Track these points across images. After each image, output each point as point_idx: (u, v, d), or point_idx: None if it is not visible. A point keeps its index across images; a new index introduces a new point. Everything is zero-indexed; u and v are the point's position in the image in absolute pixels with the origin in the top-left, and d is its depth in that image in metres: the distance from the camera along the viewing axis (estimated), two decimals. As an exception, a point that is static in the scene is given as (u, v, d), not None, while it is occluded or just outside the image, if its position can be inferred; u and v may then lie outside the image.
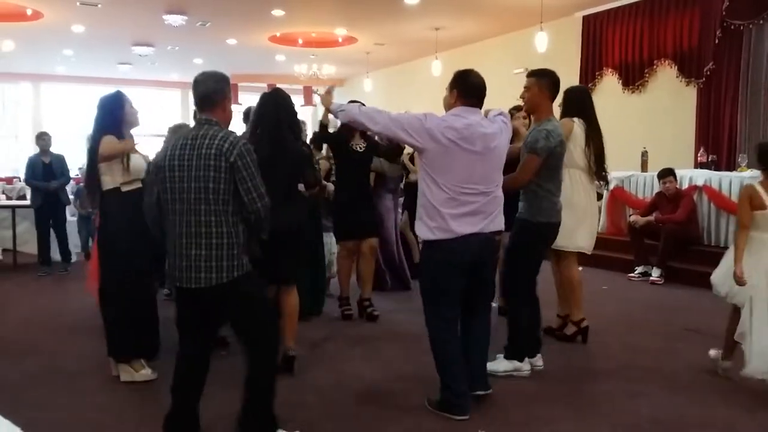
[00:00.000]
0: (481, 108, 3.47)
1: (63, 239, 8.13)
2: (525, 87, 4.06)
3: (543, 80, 4.00)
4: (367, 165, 5.52)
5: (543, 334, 4.55)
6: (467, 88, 3.41)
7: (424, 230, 3.40)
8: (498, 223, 3.46)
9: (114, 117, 4.01)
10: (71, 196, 8.60)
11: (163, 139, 6.45)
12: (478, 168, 3.32)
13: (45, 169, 7.89)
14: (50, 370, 4.26)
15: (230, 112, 3.07)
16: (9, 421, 1.56)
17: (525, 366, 4.07)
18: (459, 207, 3.30)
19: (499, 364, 4.05)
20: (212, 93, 2.97)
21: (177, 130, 7.12)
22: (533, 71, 4.14)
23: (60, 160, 8.06)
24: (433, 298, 3.49)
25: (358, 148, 5.35)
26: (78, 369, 4.29)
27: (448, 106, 3.50)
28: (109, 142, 3.88)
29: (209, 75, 3.01)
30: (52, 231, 8.03)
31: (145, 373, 4.00)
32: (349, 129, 5.13)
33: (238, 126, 4.35)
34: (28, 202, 8.36)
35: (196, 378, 3.11)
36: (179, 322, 3.14)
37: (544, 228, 4.02)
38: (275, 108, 4.02)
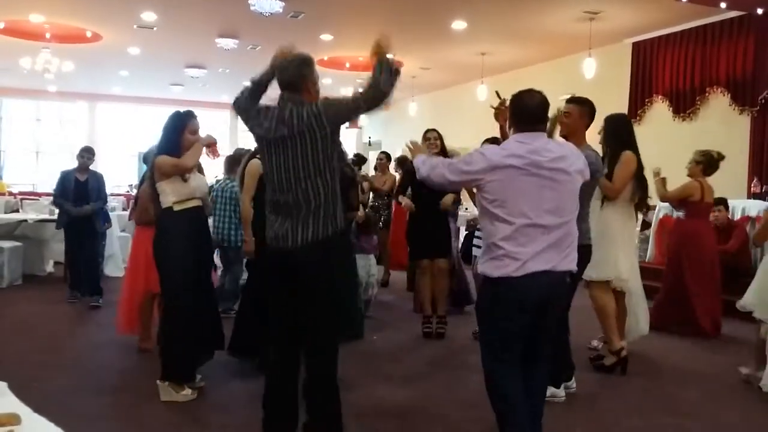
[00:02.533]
0: (543, 130, 3.12)
1: (91, 270, 6.93)
2: (565, 112, 4.11)
3: (584, 108, 4.09)
4: (439, 191, 5.58)
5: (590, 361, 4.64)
6: (519, 112, 3.11)
7: (489, 267, 2.99)
8: (571, 261, 3.04)
9: (176, 138, 4.07)
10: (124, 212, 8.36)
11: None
12: (548, 195, 2.93)
13: (78, 188, 6.93)
14: (94, 384, 4.34)
15: (316, 94, 3.10)
16: (60, 429, 1.62)
17: (561, 392, 4.04)
18: (529, 243, 2.90)
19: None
20: (295, 79, 3.06)
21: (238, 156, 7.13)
22: (574, 98, 4.23)
23: (98, 180, 7.14)
24: (490, 338, 3.13)
25: None
26: (121, 383, 4.38)
27: (507, 134, 3.25)
28: (164, 162, 3.97)
29: (290, 61, 3.12)
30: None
31: (186, 393, 4.01)
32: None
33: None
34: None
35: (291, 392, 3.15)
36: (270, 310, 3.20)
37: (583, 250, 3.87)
38: None
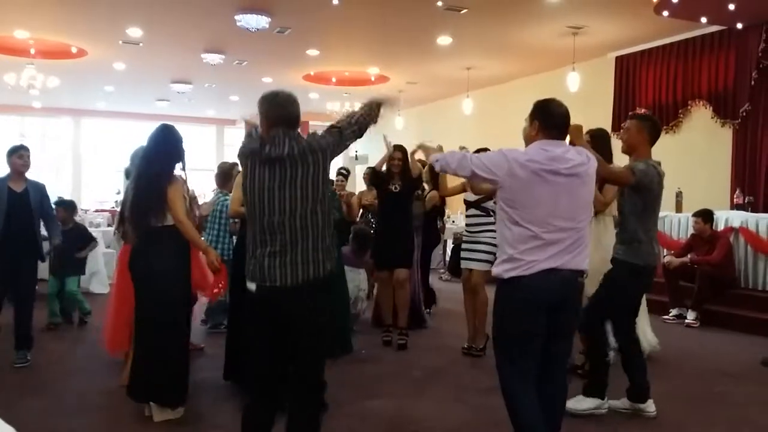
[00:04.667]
0: (564, 139, 3.21)
1: (25, 315, 5.22)
2: (624, 128, 4.17)
3: (643, 123, 4.12)
4: (403, 202, 5.90)
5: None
6: (548, 119, 3.13)
7: (500, 269, 3.08)
8: (580, 261, 3.10)
9: (180, 154, 4.05)
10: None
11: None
12: (564, 201, 3.01)
13: (14, 202, 5.17)
14: (78, 403, 4.30)
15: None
16: None
17: (605, 404, 4.12)
18: (542, 247, 2.98)
19: (581, 402, 4.09)
20: (298, 117, 2.97)
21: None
22: (635, 114, 4.36)
23: (41, 191, 5.44)
24: (505, 343, 3.14)
25: (394, 188, 5.84)
26: (106, 402, 4.33)
27: (528, 138, 3.27)
28: (179, 198, 3.92)
29: (289, 100, 2.97)
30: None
31: (179, 410, 3.97)
32: (389, 171, 5.88)
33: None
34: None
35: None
36: (253, 350, 3.01)
37: (641, 270, 4.03)
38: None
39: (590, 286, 4.32)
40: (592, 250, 4.15)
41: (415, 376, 4.98)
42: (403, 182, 5.83)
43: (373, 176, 6.27)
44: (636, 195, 3.93)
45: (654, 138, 4.13)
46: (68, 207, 6.90)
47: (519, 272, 2.98)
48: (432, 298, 7.37)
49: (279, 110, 2.93)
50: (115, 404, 4.26)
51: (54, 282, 6.68)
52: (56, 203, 6.60)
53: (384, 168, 6.02)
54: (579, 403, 4.08)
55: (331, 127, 3.01)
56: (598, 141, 4.60)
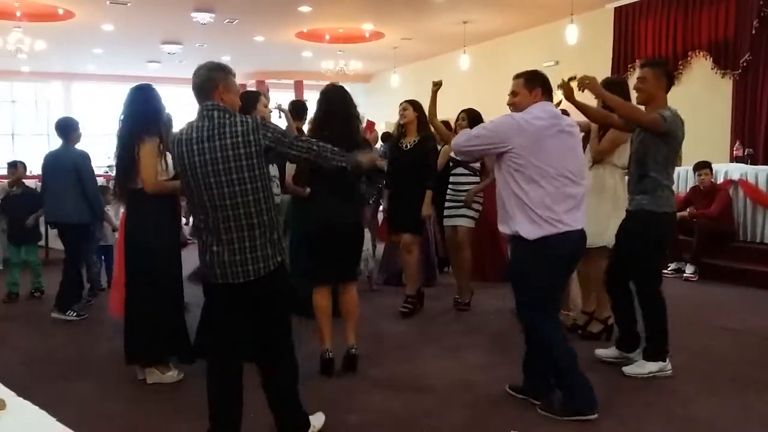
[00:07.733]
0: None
1: None
2: (639, 78, 3.89)
3: (659, 69, 3.88)
4: (415, 162, 5.30)
5: (567, 331, 4.49)
6: (547, 84, 3.37)
7: (528, 230, 3.22)
8: (583, 219, 3.33)
9: (150, 113, 3.92)
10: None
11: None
12: (571, 157, 3.25)
13: None
14: (80, 368, 4.30)
15: (230, 101, 2.88)
16: (45, 412, 1.61)
17: (668, 366, 3.96)
18: (563, 201, 3.20)
19: (643, 367, 3.94)
20: (203, 82, 2.85)
21: None
22: (648, 61, 4.14)
23: None
24: (542, 296, 3.33)
25: (405, 146, 5.36)
26: (108, 366, 4.31)
27: (524, 106, 3.31)
28: (148, 158, 3.79)
29: (201, 65, 2.93)
30: None
31: (172, 374, 3.96)
32: (403, 128, 5.42)
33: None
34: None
35: (236, 392, 2.93)
36: (212, 325, 3.02)
37: (669, 218, 3.88)
38: (343, 104, 3.96)
39: (598, 235, 4.28)
40: (596, 198, 4.27)
41: (431, 339, 4.98)
42: (417, 139, 5.32)
43: (384, 137, 5.87)
44: (662, 143, 3.72)
45: (670, 85, 3.90)
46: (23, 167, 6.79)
47: (545, 232, 3.18)
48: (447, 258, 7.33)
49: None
50: (110, 368, 4.25)
51: (14, 250, 6.51)
52: (10, 163, 6.79)
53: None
54: (641, 367, 3.95)
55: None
56: (617, 89, 4.19)
